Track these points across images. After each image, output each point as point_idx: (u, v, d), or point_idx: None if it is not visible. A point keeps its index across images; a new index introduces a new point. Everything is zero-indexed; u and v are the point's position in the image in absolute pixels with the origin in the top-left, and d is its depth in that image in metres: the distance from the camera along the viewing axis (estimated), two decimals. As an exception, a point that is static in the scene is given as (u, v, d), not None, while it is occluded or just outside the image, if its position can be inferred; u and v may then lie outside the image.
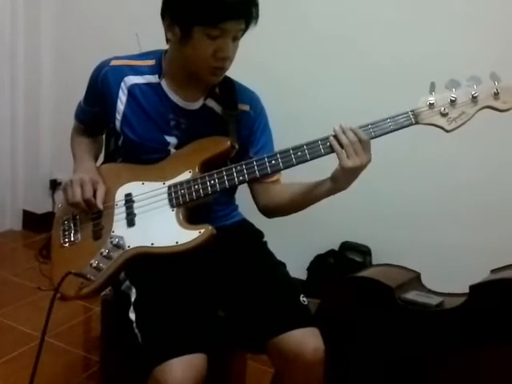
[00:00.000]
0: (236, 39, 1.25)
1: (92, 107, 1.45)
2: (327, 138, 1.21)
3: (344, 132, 1.20)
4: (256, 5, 1.24)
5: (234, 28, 1.21)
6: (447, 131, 1.20)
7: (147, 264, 1.25)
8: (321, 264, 2.26)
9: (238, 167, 1.25)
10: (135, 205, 1.29)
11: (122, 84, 1.34)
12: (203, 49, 1.21)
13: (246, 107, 1.39)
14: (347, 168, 1.19)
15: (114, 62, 1.38)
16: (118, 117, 1.35)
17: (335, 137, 1.20)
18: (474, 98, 1.19)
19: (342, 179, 1.23)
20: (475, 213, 2.08)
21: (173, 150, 1.35)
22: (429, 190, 2.14)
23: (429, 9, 2.06)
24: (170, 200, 1.26)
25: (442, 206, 2.13)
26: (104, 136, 1.57)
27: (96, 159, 1.50)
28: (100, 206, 1.30)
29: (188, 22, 1.20)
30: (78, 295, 1.25)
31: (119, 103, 1.34)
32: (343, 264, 2.19)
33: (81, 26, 2.78)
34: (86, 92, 1.45)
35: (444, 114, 1.20)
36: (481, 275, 1.76)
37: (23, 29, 2.83)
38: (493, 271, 1.78)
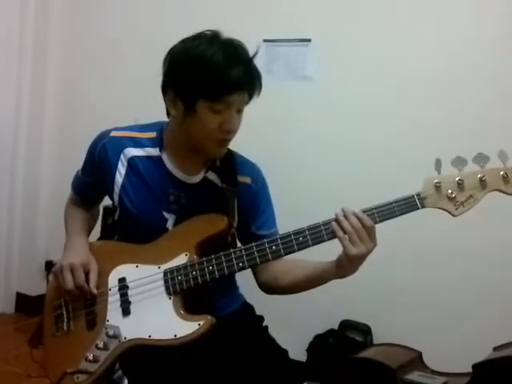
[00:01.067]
0: (240, 111, 1.24)
1: (89, 177, 1.41)
2: (330, 223, 1.17)
3: (347, 217, 1.14)
4: (259, 77, 1.23)
5: (238, 101, 1.20)
6: (454, 216, 1.15)
7: (141, 354, 1.21)
8: (320, 344, 2.20)
9: (238, 253, 1.21)
10: (130, 292, 1.25)
11: (122, 156, 1.32)
12: (208, 122, 1.20)
13: (248, 179, 1.35)
14: (352, 256, 1.14)
15: (113, 134, 1.35)
16: (117, 189, 1.32)
17: (338, 222, 1.15)
18: (483, 181, 1.13)
19: (348, 266, 1.18)
20: (477, 291, 2.06)
21: (170, 228, 1.31)
22: (430, 268, 2.13)
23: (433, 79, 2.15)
24: (167, 287, 1.23)
25: (443, 285, 2.11)
26: (101, 209, 1.55)
27: (90, 232, 1.46)
28: (94, 290, 1.26)
29: (192, 96, 1.19)
30: None
31: (118, 175, 1.31)
32: (343, 344, 2.14)
33: (83, 107, 2.88)
34: (84, 162, 1.42)
35: (451, 198, 1.14)
36: (483, 353, 1.73)
37: (27, 109, 2.93)
38: (495, 349, 1.76)
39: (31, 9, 2.84)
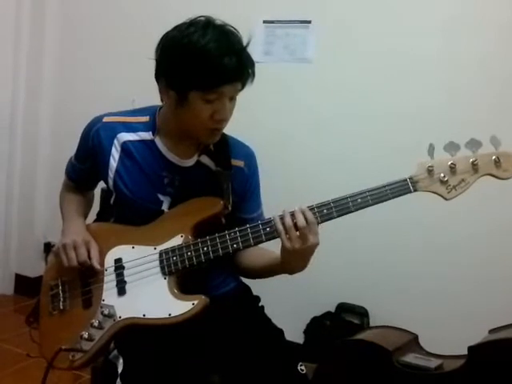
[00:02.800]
0: (233, 99, 1.23)
1: (83, 164, 1.42)
2: (319, 206, 1.18)
3: (293, 214, 1.16)
4: (252, 65, 1.22)
5: (231, 90, 1.20)
6: (446, 199, 1.16)
7: (136, 333, 1.22)
8: (317, 327, 2.22)
9: (232, 234, 1.22)
10: (125, 272, 1.27)
11: (115, 141, 1.32)
12: (200, 112, 1.20)
13: (240, 163, 1.37)
14: (288, 250, 1.16)
15: (106, 119, 1.35)
16: (111, 174, 1.33)
17: (280, 218, 1.17)
18: (475, 166, 1.14)
19: (290, 260, 1.20)
20: (473, 275, 2.07)
21: (166, 211, 1.32)
22: (426, 252, 2.14)
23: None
24: (162, 268, 1.24)
25: (439, 268, 2.12)
26: (99, 194, 1.56)
27: (85, 217, 1.47)
28: (97, 266, 1.28)
29: (183, 86, 1.18)
30: (71, 367, 1.23)
31: (112, 160, 1.32)
32: (340, 326, 2.15)
33: (80, 88, 2.87)
34: (78, 149, 1.43)
35: (444, 182, 1.15)
36: (479, 336, 1.74)
37: (24, 93, 2.92)
38: (491, 331, 1.76)
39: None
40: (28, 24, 2.87)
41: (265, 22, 2.32)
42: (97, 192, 1.59)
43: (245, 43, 1.22)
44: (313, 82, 2.32)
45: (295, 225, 1.14)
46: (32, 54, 2.90)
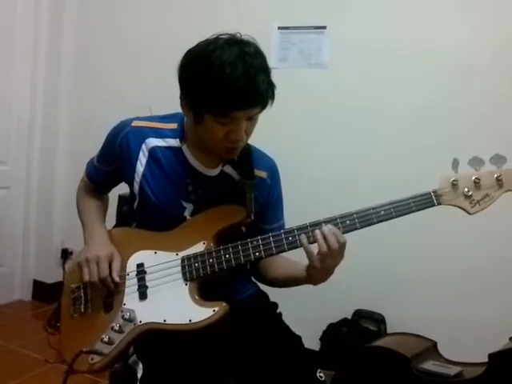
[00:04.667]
0: (251, 119, 1.21)
1: (106, 166, 1.42)
2: (342, 217, 1.19)
3: (325, 237, 1.16)
4: (270, 87, 1.19)
5: (245, 115, 1.18)
6: (470, 214, 1.17)
7: (156, 338, 1.23)
8: (334, 333, 2.21)
9: (255, 242, 1.22)
10: (147, 276, 1.27)
11: (143, 146, 1.33)
12: (215, 132, 1.21)
13: (263, 174, 1.37)
14: (318, 268, 1.19)
15: (135, 123, 1.36)
16: (137, 178, 1.33)
17: (309, 239, 1.18)
18: (499, 181, 1.15)
19: (317, 276, 1.23)
20: (492, 281, 2.05)
21: (188, 217, 1.33)
22: (444, 259, 2.13)
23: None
24: (184, 274, 1.24)
25: (458, 275, 2.10)
26: (117, 197, 1.58)
27: (104, 218, 1.47)
28: (116, 279, 1.28)
29: (198, 107, 1.20)
30: (90, 370, 1.23)
31: (139, 165, 1.33)
32: (357, 333, 2.14)
33: (97, 97, 2.91)
34: (102, 150, 1.43)
35: (468, 196, 1.16)
36: (499, 343, 1.72)
37: (42, 102, 2.98)
38: (512, 339, 1.74)
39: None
40: (46, 34, 2.92)
41: (280, 28, 2.33)
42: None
43: (262, 59, 1.19)
44: (328, 87, 2.33)
45: (328, 247, 1.15)
46: (50, 66, 2.95)
